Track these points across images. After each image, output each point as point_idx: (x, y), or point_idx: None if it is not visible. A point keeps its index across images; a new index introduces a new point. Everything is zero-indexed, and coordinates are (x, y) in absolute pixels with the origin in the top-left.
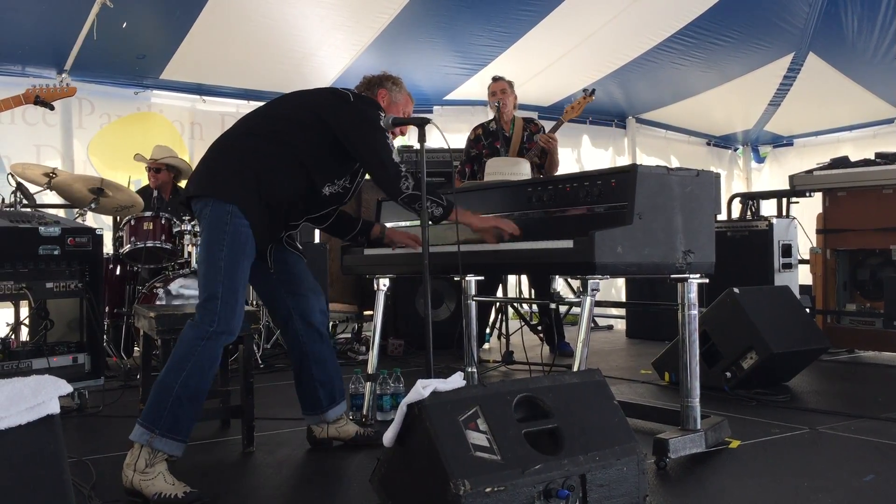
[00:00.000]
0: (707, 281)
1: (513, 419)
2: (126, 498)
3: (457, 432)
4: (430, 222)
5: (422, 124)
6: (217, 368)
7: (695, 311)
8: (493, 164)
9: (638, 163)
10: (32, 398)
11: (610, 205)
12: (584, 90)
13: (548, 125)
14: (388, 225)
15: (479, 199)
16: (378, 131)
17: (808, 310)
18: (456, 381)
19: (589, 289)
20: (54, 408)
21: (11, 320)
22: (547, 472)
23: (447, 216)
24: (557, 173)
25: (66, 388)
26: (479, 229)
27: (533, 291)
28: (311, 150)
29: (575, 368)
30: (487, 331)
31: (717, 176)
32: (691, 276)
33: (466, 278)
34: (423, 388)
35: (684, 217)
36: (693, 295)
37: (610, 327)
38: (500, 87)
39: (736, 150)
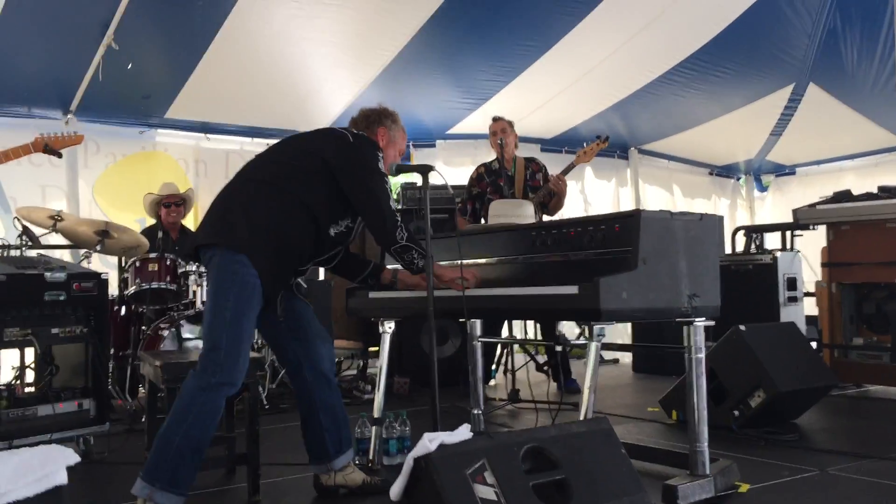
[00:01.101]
0: (713, 323)
1: (520, 471)
2: None
3: (464, 486)
4: (411, 271)
5: (426, 171)
6: (219, 420)
7: (702, 355)
8: (496, 207)
9: (640, 193)
10: (40, 469)
11: (614, 250)
12: (598, 136)
13: (549, 158)
14: (389, 267)
15: (483, 243)
16: (378, 177)
17: (814, 342)
18: (463, 433)
19: (595, 334)
20: (62, 478)
21: (17, 365)
22: None
23: (426, 269)
24: (562, 211)
25: (74, 457)
26: (447, 281)
27: (538, 327)
28: (313, 193)
29: (582, 416)
30: (493, 367)
31: (721, 219)
32: (697, 319)
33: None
34: (430, 442)
35: (689, 261)
36: (699, 338)
37: (616, 361)
38: (501, 127)
39: (738, 179)
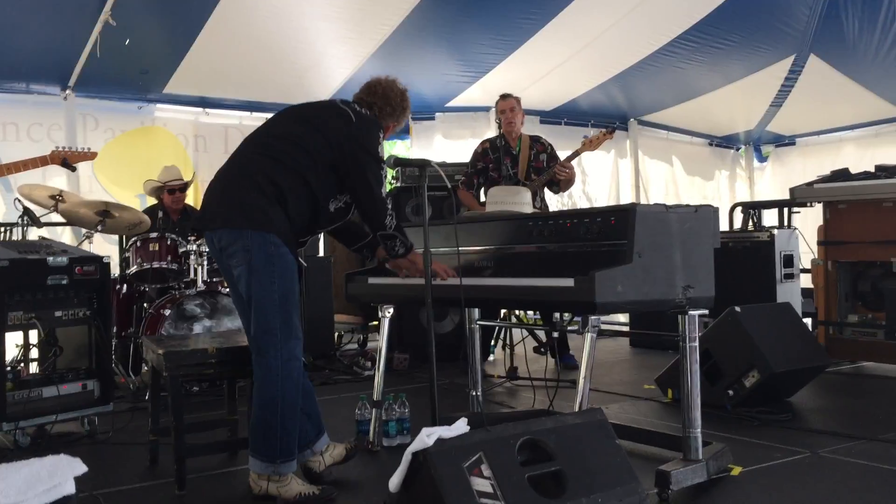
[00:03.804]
0: (707, 312)
1: (516, 463)
2: None
3: (461, 480)
4: (390, 256)
5: (423, 166)
6: (300, 387)
7: (695, 344)
8: (494, 194)
9: (640, 164)
10: (49, 480)
11: (610, 242)
12: (606, 127)
13: (549, 130)
14: None
15: (480, 230)
16: (374, 164)
17: (811, 316)
18: (460, 427)
19: (590, 325)
20: (69, 489)
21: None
22: None
23: (406, 255)
24: None
25: (81, 468)
26: (418, 272)
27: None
28: (314, 170)
29: (577, 406)
30: (492, 342)
31: (716, 210)
32: (691, 310)
33: None
34: (428, 437)
35: (683, 253)
36: (693, 327)
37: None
38: (509, 106)
39: (738, 149)
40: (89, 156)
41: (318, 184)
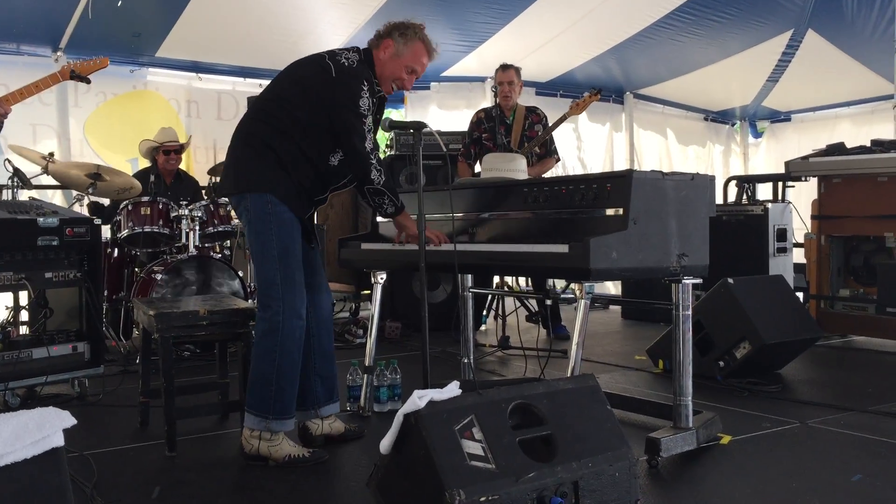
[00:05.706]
0: (700, 281)
1: (507, 427)
2: (127, 497)
3: (452, 442)
4: (380, 214)
5: (418, 128)
6: (301, 345)
7: (689, 312)
8: (489, 161)
9: (634, 138)
10: (37, 432)
11: (605, 209)
12: (591, 89)
13: (544, 102)
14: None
15: (475, 197)
16: (353, 116)
17: (802, 291)
18: (452, 390)
19: (584, 292)
20: (58, 441)
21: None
22: (540, 479)
23: (396, 216)
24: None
25: (70, 420)
26: (410, 236)
27: (529, 279)
28: (301, 128)
29: (569, 372)
30: (484, 312)
31: (712, 178)
32: (685, 278)
33: None
34: (420, 399)
35: (679, 221)
36: (687, 296)
37: (606, 307)
38: (508, 79)
39: (733, 124)
40: (100, 64)
41: (307, 141)
